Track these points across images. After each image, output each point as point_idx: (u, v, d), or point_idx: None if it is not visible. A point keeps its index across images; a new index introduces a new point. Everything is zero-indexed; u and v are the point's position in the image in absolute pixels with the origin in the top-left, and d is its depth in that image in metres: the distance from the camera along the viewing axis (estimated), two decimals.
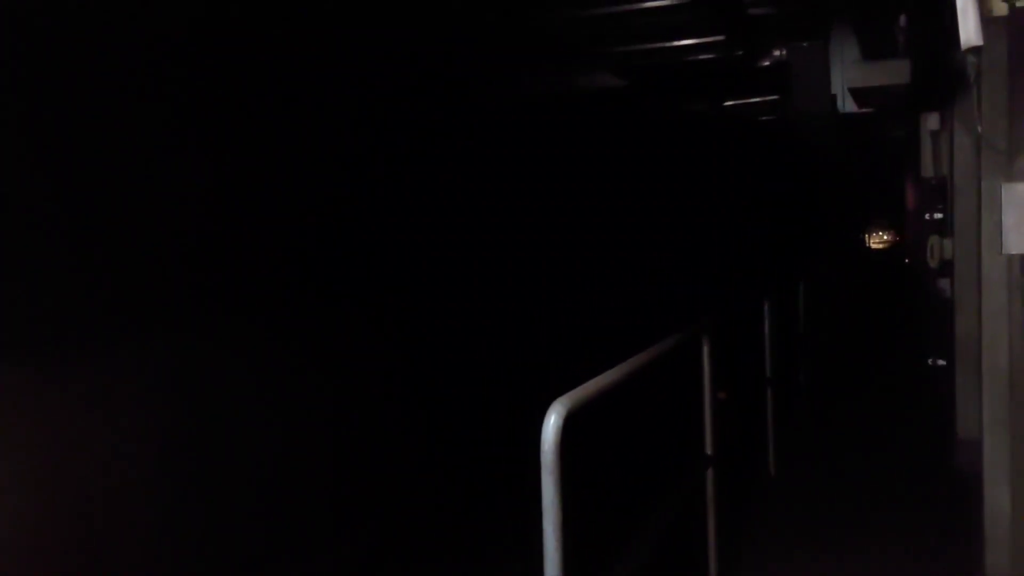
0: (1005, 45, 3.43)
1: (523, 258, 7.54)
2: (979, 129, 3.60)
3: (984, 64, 3.37)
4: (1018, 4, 2.80)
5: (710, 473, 4.56)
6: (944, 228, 6.62)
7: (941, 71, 5.85)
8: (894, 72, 5.52)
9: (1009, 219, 2.56)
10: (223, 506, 4.28)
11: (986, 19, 2.70)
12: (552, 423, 2.73)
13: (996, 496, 4.22)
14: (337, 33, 5.09)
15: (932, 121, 7.03)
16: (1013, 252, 2.63)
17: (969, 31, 2.60)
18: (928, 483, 6.26)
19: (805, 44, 6.24)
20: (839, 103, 6.65)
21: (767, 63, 6.76)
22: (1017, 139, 3.09)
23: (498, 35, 5.43)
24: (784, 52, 6.45)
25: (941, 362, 6.97)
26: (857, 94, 6.08)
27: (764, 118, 9.40)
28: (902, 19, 5.43)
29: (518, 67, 6.40)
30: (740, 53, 6.35)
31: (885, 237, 26.57)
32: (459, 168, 6.68)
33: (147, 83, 3.97)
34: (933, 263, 6.56)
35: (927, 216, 6.90)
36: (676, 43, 5.88)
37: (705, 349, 4.57)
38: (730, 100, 8.65)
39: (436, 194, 6.36)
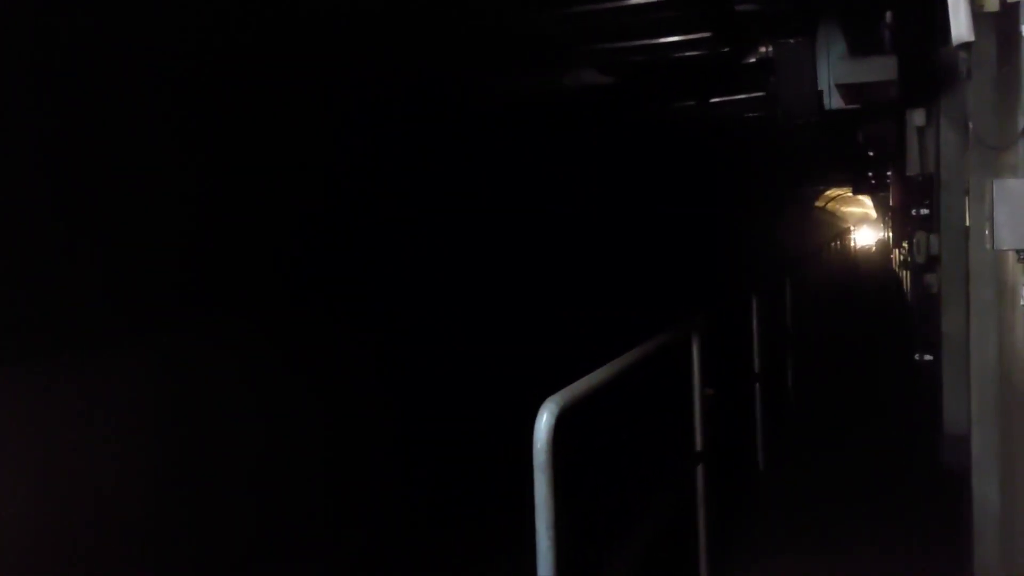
0: (995, 41, 3.43)
1: (518, 258, 7.52)
2: (970, 125, 3.60)
3: (974, 60, 3.37)
4: None
5: (700, 469, 4.56)
6: (930, 224, 6.62)
7: (927, 67, 5.85)
8: (881, 68, 5.50)
9: (1000, 215, 2.56)
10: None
11: (977, 14, 2.70)
12: (544, 421, 2.71)
13: (985, 491, 4.23)
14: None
15: (918, 117, 7.02)
16: (1005, 248, 2.63)
17: (961, 26, 2.59)
18: (915, 478, 6.28)
19: (791, 40, 6.21)
20: (826, 100, 6.62)
21: (753, 59, 6.74)
22: (1007, 135, 3.10)
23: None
24: (770, 49, 6.42)
25: (928, 357, 6.98)
26: (844, 90, 6.07)
27: (750, 114, 9.37)
28: (888, 15, 5.42)
29: (495, 68, 6.36)
30: (726, 50, 6.31)
31: (870, 233, 26.66)
32: (441, 168, 6.65)
33: None
34: (919, 259, 6.57)
35: (913, 212, 6.90)
36: (662, 40, 5.83)
37: (695, 346, 4.56)
38: (716, 98, 8.63)
39: (414, 193, 6.33)
